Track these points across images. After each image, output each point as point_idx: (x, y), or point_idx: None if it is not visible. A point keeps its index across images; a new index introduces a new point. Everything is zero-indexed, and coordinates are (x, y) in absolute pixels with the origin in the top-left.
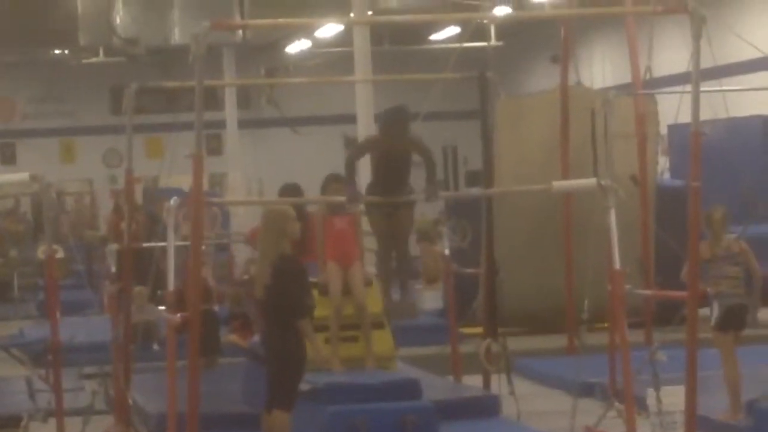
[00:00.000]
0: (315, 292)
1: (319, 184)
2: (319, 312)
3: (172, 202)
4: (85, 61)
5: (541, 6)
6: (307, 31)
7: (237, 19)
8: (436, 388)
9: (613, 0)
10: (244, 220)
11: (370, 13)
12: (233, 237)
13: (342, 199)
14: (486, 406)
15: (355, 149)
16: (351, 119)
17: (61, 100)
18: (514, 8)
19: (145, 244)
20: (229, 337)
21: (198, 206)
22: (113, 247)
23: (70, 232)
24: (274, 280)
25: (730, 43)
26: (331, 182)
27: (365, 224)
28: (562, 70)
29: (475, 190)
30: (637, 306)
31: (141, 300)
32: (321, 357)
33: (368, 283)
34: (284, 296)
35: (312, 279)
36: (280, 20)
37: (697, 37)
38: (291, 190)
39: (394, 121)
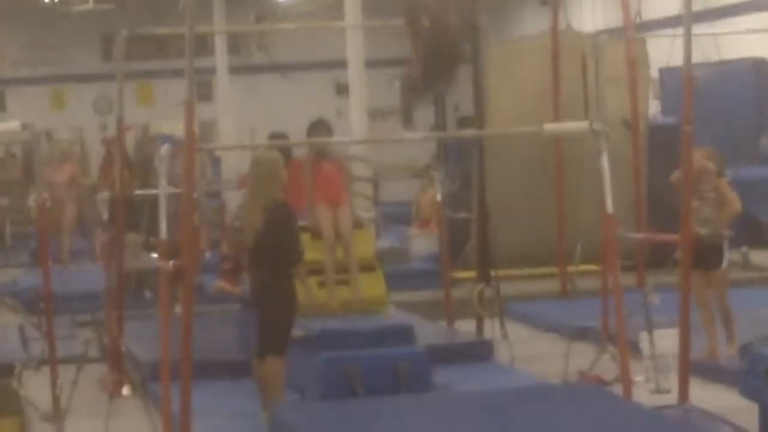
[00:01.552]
0: (306, 236)
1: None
2: (311, 255)
3: (163, 149)
4: (74, 8)
5: None
6: None
7: None
8: (429, 333)
9: None
10: (235, 166)
11: None
12: (224, 183)
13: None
14: (479, 351)
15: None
16: (342, 65)
17: (50, 48)
18: None
19: (137, 192)
20: (218, 283)
21: (191, 153)
22: (105, 194)
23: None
24: (266, 226)
25: None
26: (318, 128)
27: (354, 170)
28: (553, 14)
29: (467, 132)
30: (630, 249)
31: (134, 248)
32: (316, 301)
33: (358, 226)
34: (278, 242)
35: (302, 222)
36: None
37: None
38: (279, 137)
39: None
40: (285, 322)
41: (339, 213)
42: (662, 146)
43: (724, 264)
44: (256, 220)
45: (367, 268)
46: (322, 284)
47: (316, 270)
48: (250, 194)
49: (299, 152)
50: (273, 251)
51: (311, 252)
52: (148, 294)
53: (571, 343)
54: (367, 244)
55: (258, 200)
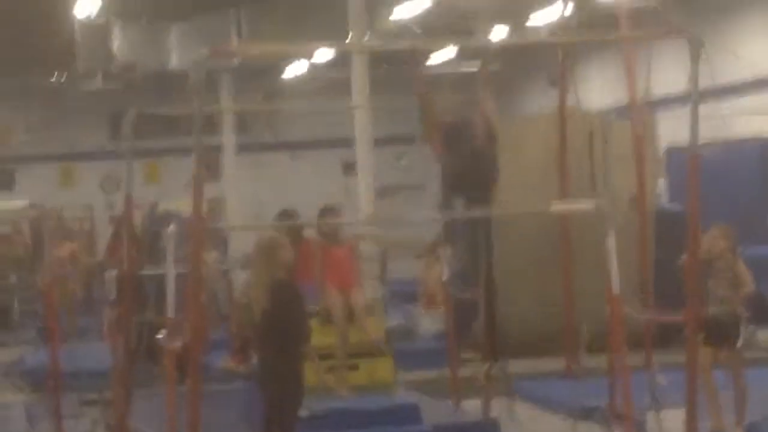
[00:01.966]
0: (316, 320)
1: (317, 208)
2: (321, 340)
3: (171, 228)
4: (83, 87)
5: (538, 31)
6: (305, 56)
7: (234, 44)
8: (435, 412)
9: (609, 22)
10: (243, 244)
11: (367, 37)
12: (231, 261)
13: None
14: (486, 431)
15: None
16: (349, 143)
17: (59, 126)
18: (512, 32)
19: (144, 271)
20: (225, 361)
21: (198, 231)
22: (112, 272)
23: (69, 257)
24: (273, 305)
25: (728, 64)
26: (326, 214)
27: (361, 248)
28: (560, 93)
29: (475, 211)
30: (637, 329)
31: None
32: (325, 385)
33: (369, 311)
34: (285, 321)
35: (313, 306)
36: (278, 46)
37: (695, 62)
38: (287, 215)
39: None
40: (291, 402)
41: (351, 296)
42: (670, 225)
43: (740, 343)
44: (262, 299)
45: (375, 350)
46: (331, 369)
47: (327, 355)
48: (254, 274)
49: (309, 233)
50: (278, 330)
51: (322, 336)
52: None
53: (577, 423)
54: (375, 327)
55: (262, 280)
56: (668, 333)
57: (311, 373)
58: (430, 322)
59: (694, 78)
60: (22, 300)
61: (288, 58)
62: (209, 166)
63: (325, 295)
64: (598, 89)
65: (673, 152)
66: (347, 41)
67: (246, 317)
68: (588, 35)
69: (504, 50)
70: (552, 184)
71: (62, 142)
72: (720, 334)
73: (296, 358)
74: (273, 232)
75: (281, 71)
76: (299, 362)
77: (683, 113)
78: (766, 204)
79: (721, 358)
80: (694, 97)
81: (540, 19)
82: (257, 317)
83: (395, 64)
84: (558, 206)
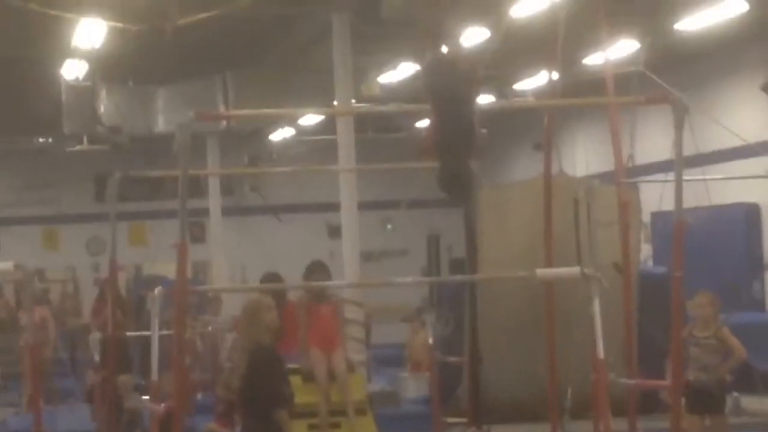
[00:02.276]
0: (299, 379)
1: (302, 271)
2: (304, 398)
3: (156, 291)
4: (69, 149)
5: (523, 94)
6: (290, 120)
7: (221, 108)
8: None
9: (595, 88)
10: (228, 307)
11: (353, 101)
12: (217, 325)
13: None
14: None
15: None
16: (335, 207)
17: (44, 188)
18: (497, 97)
19: (129, 333)
20: (209, 425)
21: (183, 295)
22: (97, 335)
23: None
24: (249, 369)
25: (711, 131)
26: (314, 271)
27: (347, 312)
28: (545, 158)
29: (460, 277)
30: (622, 394)
31: (125, 389)
32: None
33: (351, 369)
34: (260, 386)
35: (294, 366)
36: (263, 111)
37: (680, 127)
38: (271, 278)
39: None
40: None
41: (334, 357)
42: (655, 290)
43: (726, 410)
44: (241, 362)
45: (358, 411)
46: (313, 427)
47: (309, 413)
48: (239, 337)
49: (294, 294)
50: (255, 394)
51: (304, 395)
52: None
53: None
54: (358, 388)
55: (244, 343)
56: (652, 399)
57: None
58: (415, 387)
59: (678, 144)
60: (5, 363)
61: (274, 123)
62: (195, 229)
63: (308, 354)
64: (583, 155)
65: (658, 217)
66: (333, 106)
67: (231, 381)
68: (574, 100)
69: (490, 114)
70: (537, 250)
71: (47, 204)
72: (705, 401)
73: (274, 423)
74: (258, 295)
75: (268, 134)
76: (279, 426)
77: (668, 179)
78: (751, 270)
79: (706, 425)
80: (679, 162)
81: (526, 84)
82: (237, 382)
83: (381, 130)
84: (543, 272)
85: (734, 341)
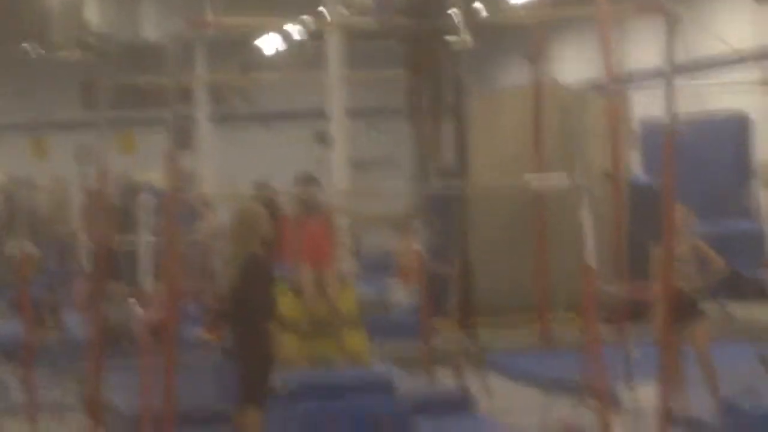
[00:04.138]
0: (290, 293)
1: (292, 179)
2: (293, 313)
3: (144, 198)
4: (57, 56)
5: (514, 6)
6: (277, 29)
7: (209, 14)
8: (409, 384)
9: None
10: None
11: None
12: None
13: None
14: (460, 403)
15: None
16: (324, 115)
17: (31, 96)
18: (486, 6)
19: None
20: (200, 332)
21: (172, 202)
22: (86, 244)
23: (42, 228)
24: (241, 279)
25: (701, 39)
26: (306, 182)
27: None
28: (535, 67)
29: (450, 184)
30: (610, 302)
31: (118, 298)
32: (285, 358)
33: (343, 282)
34: (248, 297)
35: (285, 281)
36: (251, 19)
37: (671, 37)
38: (262, 188)
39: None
40: (261, 375)
41: (325, 273)
42: (643, 199)
43: (704, 319)
44: (232, 273)
45: (350, 325)
46: (303, 338)
47: (297, 328)
48: (230, 247)
49: (285, 206)
50: (244, 305)
51: (294, 310)
52: (125, 344)
53: (551, 395)
54: (349, 300)
55: (237, 253)
56: (641, 307)
57: (286, 346)
58: (404, 295)
59: (669, 53)
60: None
61: (262, 31)
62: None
63: (299, 269)
64: (574, 65)
65: (647, 126)
66: (321, 17)
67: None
68: (564, 11)
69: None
70: (527, 158)
71: (34, 112)
72: (688, 310)
73: (264, 332)
74: (251, 203)
75: (256, 42)
76: (267, 336)
77: (658, 88)
78: (739, 179)
79: (684, 334)
80: (669, 71)
81: None
82: (227, 291)
83: (370, 37)
84: (533, 180)
85: (711, 253)
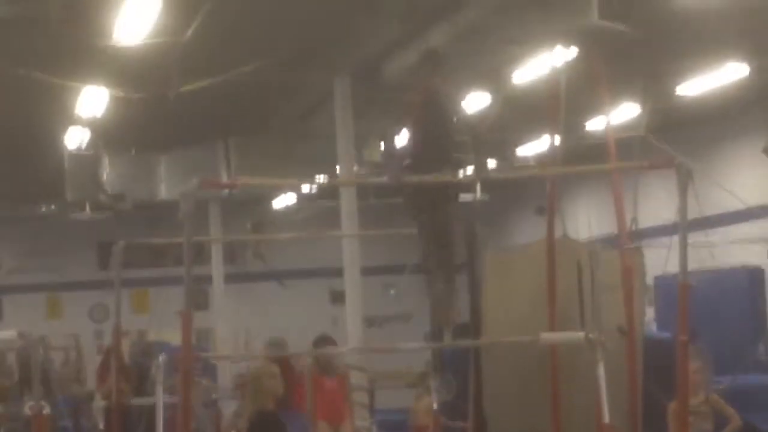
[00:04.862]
0: None
1: (306, 337)
2: None
3: (160, 358)
4: (72, 216)
5: (527, 161)
6: (292, 188)
7: (223, 175)
8: None
9: (597, 152)
10: (231, 374)
11: (356, 167)
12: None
13: (332, 354)
14: None
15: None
16: (338, 273)
17: (47, 256)
18: (500, 162)
19: (133, 401)
20: None
21: (187, 361)
22: (100, 403)
23: (56, 387)
24: None
25: (714, 195)
26: (321, 343)
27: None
28: (549, 223)
29: (464, 342)
30: None
31: None
32: None
33: None
34: None
35: None
36: (266, 179)
37: (684, 192)
38: (277, 344)
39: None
40: None
41: (341, 428)
42: (659, 353)
43: None
44: (244, 428)
45: None
46: None
47: None
48: (244, 404)
49: (298, 361)
50: None
51: None
52: None
53: None
54: None
55: (247, 409)
56: None
57: None
58: None
59: (683, 207)
60: (10, 431)
61: (278, 191)
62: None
63: (315, 427)
64: (586, 218)
65: (661, 281)
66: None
67: None
68: (576, 166)
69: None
70: (541, 314)
71: (50, 271)
72: None
73: None
74: (264, 361)
75: (270, 201)
76: None
77: (671, 243)
78: (754, 332)
79: None
80: (683, 227)
81: (528, 148)
82: None
83: (383, 196)
84: (548, 337)
85: (729, 409)
